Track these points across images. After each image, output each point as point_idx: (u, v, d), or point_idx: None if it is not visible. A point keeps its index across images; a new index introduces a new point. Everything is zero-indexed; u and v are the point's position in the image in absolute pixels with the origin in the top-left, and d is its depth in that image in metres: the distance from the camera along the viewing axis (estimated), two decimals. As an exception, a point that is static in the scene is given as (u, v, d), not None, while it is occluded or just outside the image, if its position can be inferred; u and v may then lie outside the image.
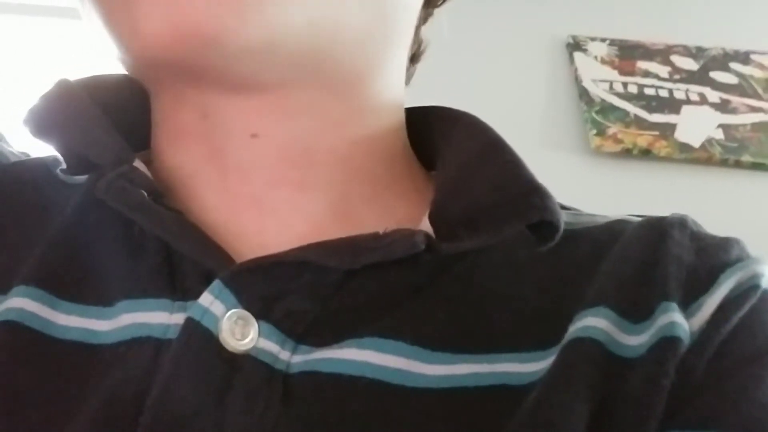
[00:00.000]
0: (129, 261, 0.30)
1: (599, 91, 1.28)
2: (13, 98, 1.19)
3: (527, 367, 0.28)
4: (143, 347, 0.28)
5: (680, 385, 0.26)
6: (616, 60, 1.33)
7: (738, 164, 1.20)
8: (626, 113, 1.24)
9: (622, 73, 1.31)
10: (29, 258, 0.31)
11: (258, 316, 0.28)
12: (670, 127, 1.23)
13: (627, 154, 1.21)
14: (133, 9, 0.27)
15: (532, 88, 1.31)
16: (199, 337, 0.27)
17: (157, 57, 0.28)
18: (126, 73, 0.34)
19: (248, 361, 0.27)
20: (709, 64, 1.33)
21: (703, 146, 1.20)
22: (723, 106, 1.27)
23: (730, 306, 0.28)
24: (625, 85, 1.29)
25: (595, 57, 1.33)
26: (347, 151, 0.33)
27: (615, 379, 0.27)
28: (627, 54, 1.34)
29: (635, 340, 0.28)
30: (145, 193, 0.30)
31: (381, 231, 0.29)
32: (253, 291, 0.28)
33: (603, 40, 1.36)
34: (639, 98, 1.27)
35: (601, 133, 1.21)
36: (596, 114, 1.24)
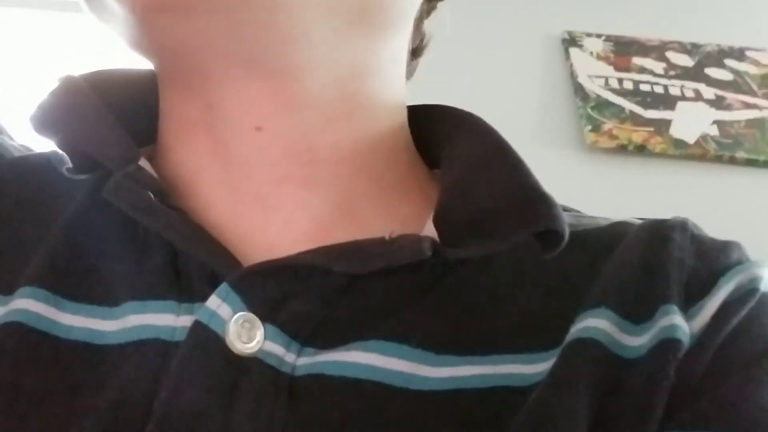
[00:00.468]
0: (134, 261, 0.31)
1: (594, 87, 1.28)
2: (16, 91, 1.18)
3: (530, 368, 0.28)
4: (151, 349, 0.28)
5: (680, 386, 0.27)
6: (612, 56, 1.33)
7: (732, 160, 1.21)
8: (621, 109, 1.24)
9: (618, 69, 1.31)
10: (34, 257, 0.31)
11: (264, 319, 0.28)
12: (665, 123, 1.23)
13: (622, 150, 1.21)
14: None
15: (527, 83, 1.31)
16: (207, 340, 0.28)
17: (159, 16, 0.28)
18: (132, 68, 0.34)
19: (255, 363, 0.28)
20: (704, 60, 1.34)
21: (697, 142, 1.21)
22: (718, 103, 1.27)
23: (730, 309, 0.29)
24: (620, 81, 1.29)
25: (591, 53, 1.33)
26: (350, 148, 0.33)
27: (616, 379, 0.27)
28: (622, 50, 1.34)
29: (636, 341, 0.28)
30: (151, 194, 0.30)
31: (387, 235, 0.30)
32: (260, 294, 0.29)
33: (598, 36, 1.36)
34: (634, 94, 1.27)
35: (596, 129, 1.21)
36: (591, 110, 1.24)
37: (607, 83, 1.29)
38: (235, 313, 0.28)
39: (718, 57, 1.34)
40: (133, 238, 0.31)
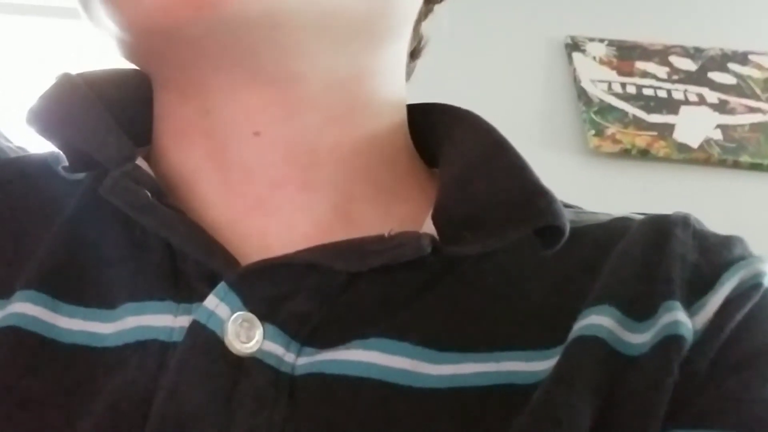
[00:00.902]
0: (131, 262, 0.30)
1: (598, 92, 1.28)
2: (13, 98, 1.19)
3: (533, 366, 0.28)
4: (148, 350, 0.28)
5: (684, 383, 0.27)
6: (615, 60, 1.33)
7: (736, 164, 1.20)
8: (625, 113, 1.24)
9: (621, 73, 1.31)
10: (31, 260, 0.31)
11: (263, 318, 0.28)
12: (669, 128, 1.23)
13: (625, 154, 1.21)
14: None
15: (530, 88, 1.31)
16: (205, 340, 0.27)
17: (155, 26, 0.28)
18: (128, 68, 0.34)
19: (254, 363, 0.27)
20: (707, 64, 1.33)
21: (701, 146, 1.21)
22: (721, 107, 1.27)
23: (733, 304, 0.28)
24: (623, 85, 1.29)
25: (594, 57, 1.33)
26: (349, 150, 0.33)
27: (619, 377, 0.27)
28: (625, 54, 1.34)
29: (639, 339, 0.28)
30: (149, 193, 0.30)
31: (386, 233, 0.30)
32: (259, 293, 0.28)
33: (601, 40, 1.36)
34: (637, 98, 1.27)
35: (599, 133, 1.21)
36: (595, 114, 1.24)
37: (610, 88, 1.29)
38: (233, 312, 0.28)
39: (721, 61, 1.34)
40: (130, 239, 0.31)
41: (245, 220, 0.32)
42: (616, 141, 1.21)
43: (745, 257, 0.30)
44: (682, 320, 0.27)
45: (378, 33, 0.32)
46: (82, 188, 0.33)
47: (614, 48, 1.35)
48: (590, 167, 1.21)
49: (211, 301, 0.28)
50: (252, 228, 0.31)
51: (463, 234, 0.30)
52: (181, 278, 0.29)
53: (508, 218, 0.29)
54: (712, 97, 1.28)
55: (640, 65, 1.33)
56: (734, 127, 1.24)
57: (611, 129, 1.22)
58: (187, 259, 0.29)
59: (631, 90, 1.29)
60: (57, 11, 1.35)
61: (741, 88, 1.30)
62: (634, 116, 1.24)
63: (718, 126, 1.24)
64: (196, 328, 0.27)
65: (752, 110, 1.27)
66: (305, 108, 0.31)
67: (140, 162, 0.31)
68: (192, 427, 0.26)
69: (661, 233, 0.31)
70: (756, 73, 1.32)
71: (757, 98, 1.29)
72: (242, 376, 0.27)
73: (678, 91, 1.29)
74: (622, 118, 1.24)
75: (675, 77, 1.31)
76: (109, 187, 0.30)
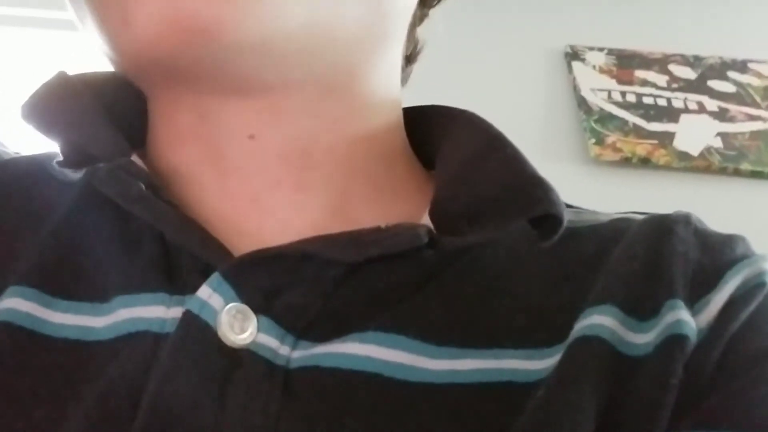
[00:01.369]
0: (125, 256, 0.30)
1: (598, 100, 1.28)
2: (10, 108, 1.19)
3: (533, 364, 0.28)
4: (140, 342, 0.27)
5: (688, 384, 0.26)
6: (615, 69, 1.34)
7: (737, 172, 1.21)
8: (625, 122, 1.25)
9: (621, 82, 1.32)
10: (24, 256, 0.31)
11: (257, 311, 0.28)
12: (669, 136, 1.23)
13: (626, 162, 1.21)
14: (125, 1, 0.27)
15: (530, 97, 1.31)
16: (197, 330, 0.27)
17: (150, 52, 0.28)
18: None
19: (247, 355, 0.27)
20: (707, 72, 1.34)
21: (701, 154, 1.21)
22: (721, 115, 1.27)
23: (738, 303, 0.28)
24: (623, 94, 1.30)
25: (594, 66, 1.34)
26: (345, 151, 0.33)
27: (622, 378, 0.27)
28: (625, 63, 1.34)
29: (642, 339, 0.27)
30: (143, 186, 0.30)
31: (383, 225, 0.29)
32: (253, 284, 0.28)
33: (601, 49, 1.36)
34: (637, 107, 1.27)
35: (600, 141, 1.22)
36: (595, 123, 1.24)
37: (610, 96, 1.29)
38: (227, 303, 0.27)
39: (720, 69, 1.34)
40: (124, 234, 0.30)
41: (240, 218, 0.31)
42: (616, 149, 1.21)
43: (748, 256, 0.30)
44: (686, 319, 0.27)
45: (373, 41, 0.32)
46: (76, 188, 0.33)
47: (614, 57, 1.35)
48: (591, 176, 1.21)
49: (204, 292, 0.27)
50: (248, 226, 0.31)
51: (460, 226, 0.29)
52: (175, 271, 0.29)
53: (504, 208, 0.29)
54: (712, 105, 1.29)
55: (640, 74, 1.33)
56: (734, 134, 1.24)
57: (612, 137, 1.22)
58: (181, 252, 0.29)
59: (631, 98, 1.29)
60: (54, 23, 1.35)
61: (741, 96, 1.30)
62: (634, 125, 1.24)
63: (719, 134, 1.24)
64: (188, 318, 0.27)
65: (752, 118, 1.27)
66: (300, 113, 0.31)
67: (135, 158, 0.31)
68: (184, 418, 0.25)
69: (662, 232, 0.30)
70: (755, 81, 1.33)
71: (757, 106, 1.29)
72: (235, 367, 0.27)
73: (678, 100, 1.29)
74: (623, 126, 1.24)
75: (675, 85, 1.31)
76: (101, 178, 0.30)
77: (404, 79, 0.39)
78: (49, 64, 1.36)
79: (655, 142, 1.22)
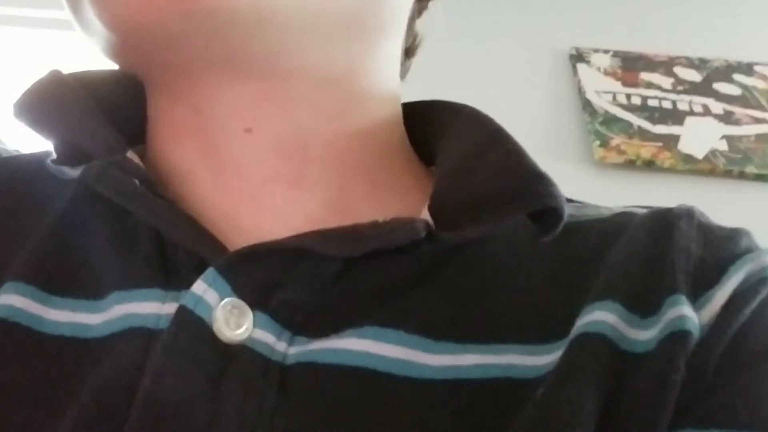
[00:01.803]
0: (121, 252, 0.30)
1: (602, 103, 1.28)
2: (7, 107, 1.19)
3: (533, 360, 0.28)
4: (134, 338, 0.27)
5: (691, 380, 0.26)
6: (619, 71, 1.33)
7: (742, 175, 1.20)
8: (630, 124, 1.24)
9: (626, 84, 1.31)
10: (20, 253, 0.30)
11: (253, 306, 0.27)
12: (674, 139, 1.23)
13: (630, 165, 1.21)
14: None
15: (535, 99, 1.31)
16: (192, 325, 0.27)
17: (141, 22, 0.28)
18: (119, 69, 0.34)
19: (243, 351, 0.27)
20: (712, 75, 1.33)
21: (706, 157, 1.21)
22: (726, 118, 1.27)
23: (741, 299, 0.28)
24: (628, 96, 1.30)
25: (598, 68, 1.33)
26: (343, 146, 0.32)
27: (624, 375, 0.26)
28: (630, 65, 1.34)
29: (644, 335, 0.27)
30: (138, 182, 0.30)
31: (380, 220, 0.29)
32: (249, 279, 0.28)
33: (606, 51, 1.36)
34: (642, 109, 1.27)
35: (604, 144, 1.21)
36: (600, 125, 1.24)
37: (615, 99, 1.29)
38: (222, 298, 0.27)
39: (725, 72, 1.34)
40: (120, 231, 0.30)
41: (238, 214, 0.31)
42: (621, 152, 1.21)
43: (751, 250, 0.29)
44: (688, 315, 0.27)
45: (369, 29, 0.32)
46: (73, 186, 0.32)
47: (619, 59, 1.35)
48: (595, 178, 1.21)
49: (199, 287, 0.27)
50: (245, 222, 0.31)
51: (459, 221, 0.29)
52: (171, 267, 0.29)
53: (504, 202, 0.29)
54: (717, 107, 1.28)
55: (645, 76, 1.33)
56: (739, 137, 1.24)
57: (616, 140, 1.22)
58: (177, 249, 0.29)
59: (636, 101, 1.29)
60: (51, 23, 1.36)
61: (746, 99, 1.30)
62: (639, 127, 1.24)
63: (724, 137, 1.24)
64: (183, 313, 0.27)
65: (757, 121, 1.27)
66: (297, 105, 0.31)
67: (131, 155, 0.31)
68: (179, 413, 0.25)
69: (664, 226, 0.30)
70: (761, 84, 1.32)
71: (763, 109, 1.29)
72: (230, 363, 0.26)
73: (683, 102, 1.29)
74: (627, 129, 1.24)
75: (680, 88, 1.31)
76: (95, 175, 0.30)
77: (403, 73, 0.39)
78: (48, 63, 1.36)
79: (660, 144, 1.22)
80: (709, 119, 1.27)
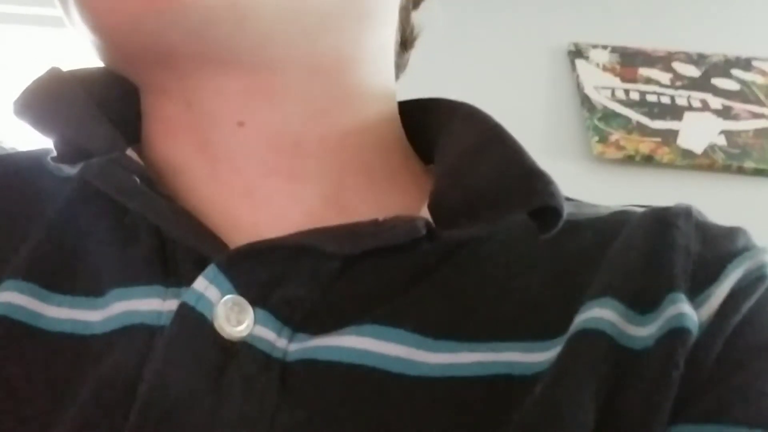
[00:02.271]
0: (121, 249, 0.30)
1: (601, 98, 1.28)
2: (8, 106, 1.19)
3: (532, 357, 0.28)
4: (135, 335, 0.27)
5: (689, 377, 0.26)
6: (618, 67, 1.33)
7: (740, 170, 1.20)
8: (628, 120, 1.24)
9: (624, 80, 1.31)
10: (20, 251, 0.30)
11: (254, 303, 0.28)
12: (673, 134, 1.23)
13: (629, 160, 1.21)
14: None
15: (534, 95, 1.31)
16: (193, 322, 0.27)
17: (120, 32, 0.28)
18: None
19: (244, 348, 0.27)
20: (710, 70, 1.34)
21: (705, 152, 1.21)
22: (725, 113, 1.27)
23: (739, 296, 0.28)
24: (627, 92, 1.30)
25: (597, 64, 1.33)
26: (338, 141, 0.32)
27: (623, 371, 0.26)
28: (628, 61, 1.34)
29: (643, 332, 0.27)
30: (137, 179, 0.30)
31: (380, 218, 0.29)
32: (250, 277, 0.28)
33: (604, 47, 1.36)
34: (641, 105, 1.27)
35: (603, 139, 1.21)
36: (598, 121, 1.24)
37: (613, 94, 1.29)
38: (223, 295, 0.27)
39: (724, 67, 1.34)
40: (119, 227, 0.30)
41: (236, 210, 0.31)
42: (620, 147, 1.21)
43: (749, 248, 0.30)
44: (687, 312, 0.27)
45: (354, 19, 0.31)
46: (72, 183, 0.32)
47: (617, 54, 1.35)
48: (594, 173, 1.21)
49: (201, 284, 0.27)
50: (243, 218, 0.31)
51: (458, 219, 0.29)
52: (171, 263, 0.29)
53: (503, 201, 0.29)
54: (715, 103, 1.28)
55: (644, 72, 1.33)
56: (738, 132, 1.24)
57: (615, 135, 1.22)
58: (177, 245, 0.29)
59: (635, 96, 1.29)
60: (48, 20, 1.35)
61: (745, 94, 1.30)
62: (638, 122, 1.24)
63: (722, 132, 1.24)
64: (184, 310, 0.27)
65: (756, 116, 1.27)
66: (288, 97, 0.31)
67: (130, 153, 0.31)
68: (179, 410, 0.25)
69: (663, 225, 0.30)
70: (759, 79, 1.32)
71: (761, 104, 1.29)
72: (232, 360, 0.26)
73: (681, 98, 1.29)
74: (626, 124, 1.24)
75: (678, 83, 1.31)
76: (94, 172, 0.30)
77: (401, 67, 0.39)
78: (46, 61, 1.36)
79: (659, 139, 1.22)
80: (707, 114, 1.27)
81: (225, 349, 0.27)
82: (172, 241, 0.29)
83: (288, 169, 0.32)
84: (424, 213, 0.31)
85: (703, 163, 1.20)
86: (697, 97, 1.29)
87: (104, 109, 0.33)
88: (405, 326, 0.28)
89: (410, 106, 0.37)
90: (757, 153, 1.21)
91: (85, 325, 0.29)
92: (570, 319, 0.28)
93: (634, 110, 1.26)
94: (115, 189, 0.29)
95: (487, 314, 0.29)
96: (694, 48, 1.36)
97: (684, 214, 0.31)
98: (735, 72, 1.34)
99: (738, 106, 1.28)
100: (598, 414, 0.26)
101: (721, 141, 1.22)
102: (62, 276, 0.30)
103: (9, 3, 1.38)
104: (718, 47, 1.36)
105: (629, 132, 1.23)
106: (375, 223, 0.29)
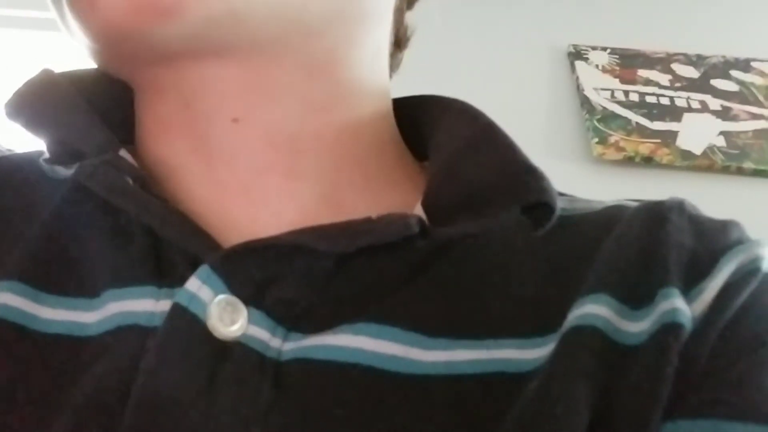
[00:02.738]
0: (115, 250, 0.30)
1: (601, 100, 1.28)
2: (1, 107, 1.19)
3: (527, 353, 0.28)
4: (129, 336, 0.27)
5: (684, 371, 0.26)
6: (617, 68, 1.33)
7: (740, 171, 1.20)
8: (628, 121, 1.24)
9: (623, 81, 1.31)
10: (14, 252, 0.30)
11: (248, 303, 0.27)
12: (672, 135, 1.23)
13: (629, 161, 1.21)
14: None
15: (533, 97, 1.31)
16: (186, 323, 0.27)
17: (117, 33, 0.28)
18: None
19: (238, 348, 0.27)
20: (709, 71, 1.34)
21: (704, 153, 1.20)
22: (724, 114, 1.27)
23: (732, 290, 0.28)
24: (626, 93, 1.29)
25: (596, 66, 1.33)
26: (333, 138, 0.32)
27: (617, 367, 0.26)
28: (628, 62, 1.34)
29: (636, 327, 0.27)
30: (131, 180, 0.30)
31: (373, 216, 0.29)
32: (243, 276, 0.28)
33: (604, 48, 1.36)
34: (640, 106, 1.27)
35: (603, 141, 1.21)
36: (598, 122, 1.24)
37: (613, 96, 1.29)
38: (216, 295, 0.27)
39: (723, 68, 1.34)
40: (113, 228, 0.30)
41: (232, 208, 0.31)
42: (619, 148, 1.21)
43: (742, 241, 0.29)
44: (681, 307, 0.27)
45: (351, 19, 0.32)
46: (66, 185, 0.32)
47: (616, 56, 1.35)
48: (594, 175, 1.21)
49: (193, 284, 0.27)
50: (239, 216, 0.31)
51: (452, 216, 0.29)
52: (165, 264, 0.29)
53: (496, 197, 0.29)
54: (714, 104, 1.28)
55: (643, 73, 1.33)
56: (737, 133, 1.24)
57: (614, 137, 1.22)
58: (170, 246, 0.29)
59: (634, 98, 1.29)
60: (42, 24, 1.35)
61: (744, 95, 1.30)
62: (637, 124, 1.24)
63: (721, 133, 1.24)
64: (177, 310, 0.27)
65: (755, 117, 1.27)
66: (282, 94, 0.31)
67: (123, 153, 0.31)
68: (173, 412, 0.25)
69: (656, 219, 0.30)
70: (759, 80, 1.32)
71: (760, 105, 1.29)
72: (225, 360, 0.26)
73: (681, 99, 1.29)
74: (626, 125, 1.24)
75: (678, 85, 1.31)
76: (87, 173, 0.30)
77: (395, 66, 0.39)
78: (39, 64, 1.36)
79: (658, 141, 1.22)
80: (706, 115, 1.27)
81: (218, 349, 0.27)
82: (166, 242, 0.29)
83: (283, 166, 0.32)
84: (419, 210, 0.31)
85: (703, 164, 1.20)
86: (696, 98, 1.29)
87: (97, 110, 0.33)
88: (400, 324, 0.28)
89: (402, 103, 0.37)
90: (757, 154, 1.21)
91: (80, 326, 0.28)
92: (564, 315, 0.28)
93: (633, 111, 1.26)
94: (107, 190, 0.29)
95: (481, 311, 0.29)
96: (693, 49, 1.36)
97: (677, 208, 0.31)
98: (734, 73, 1.34)
99: (737, 107, 1.28)
100: (593, 410, 0.25)
101: (721, 142, 1.22)
102: (57, 277, 0.30)
103: (2, 6, 1.38)
104: (717, 48, 1.36)
105: (629, 133, 1.23)
106: (368, 221, 0.29)
